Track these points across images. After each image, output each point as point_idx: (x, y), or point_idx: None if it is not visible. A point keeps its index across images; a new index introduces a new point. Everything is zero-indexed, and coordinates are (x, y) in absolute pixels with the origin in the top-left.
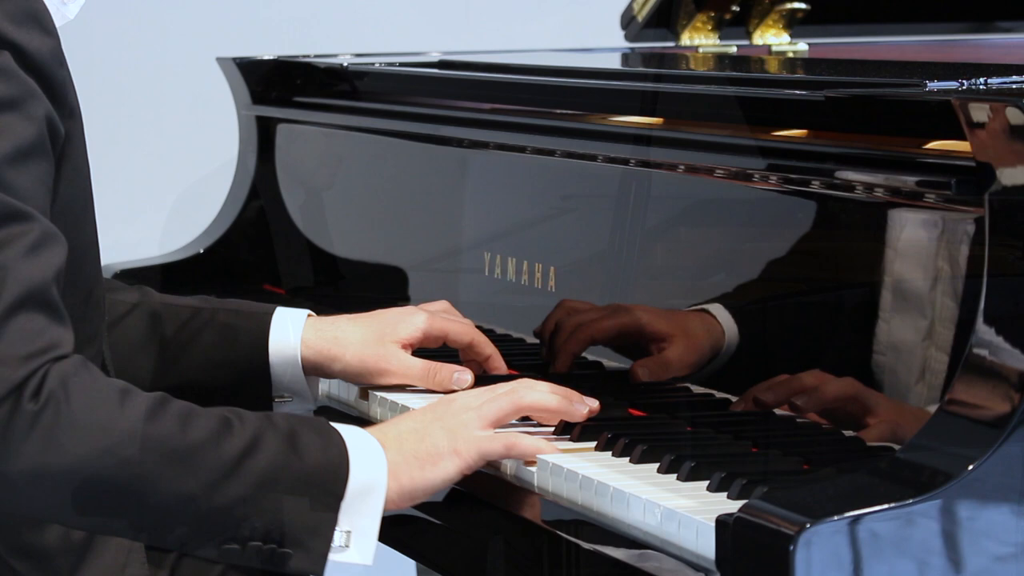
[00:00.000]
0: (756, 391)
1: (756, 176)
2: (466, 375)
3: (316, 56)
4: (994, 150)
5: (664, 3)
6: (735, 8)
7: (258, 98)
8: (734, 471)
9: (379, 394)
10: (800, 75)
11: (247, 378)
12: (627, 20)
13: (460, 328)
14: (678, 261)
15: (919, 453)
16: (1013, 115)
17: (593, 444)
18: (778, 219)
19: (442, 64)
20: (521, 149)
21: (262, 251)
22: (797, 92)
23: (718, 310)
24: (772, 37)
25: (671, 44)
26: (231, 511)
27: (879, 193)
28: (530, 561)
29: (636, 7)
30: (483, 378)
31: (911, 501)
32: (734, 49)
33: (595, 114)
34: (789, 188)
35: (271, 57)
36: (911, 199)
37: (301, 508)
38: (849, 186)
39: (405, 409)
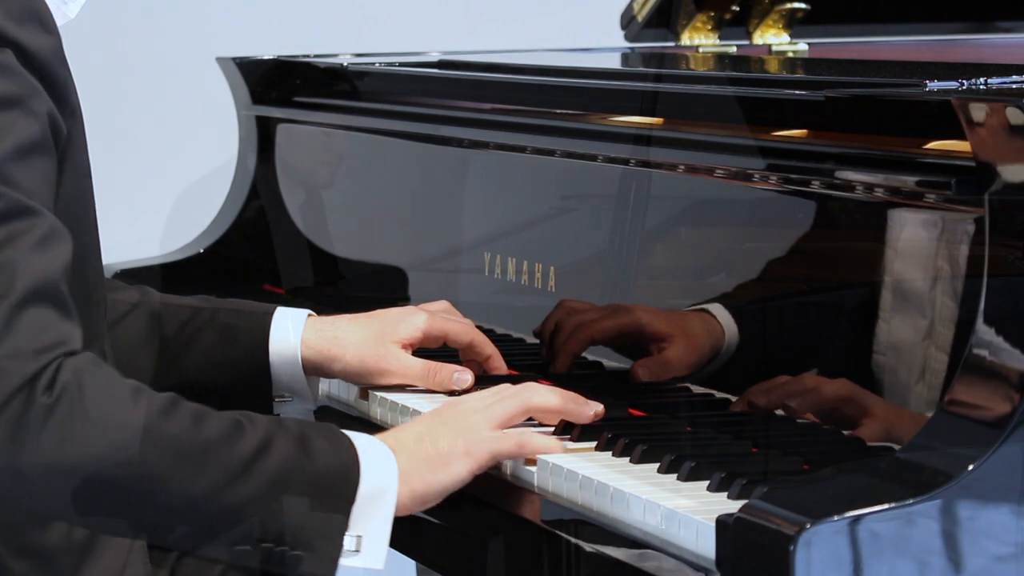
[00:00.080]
0: (751, 394)
1: (756, 176)
2: (466, 375)
3: (316, 56)
4: (994, 150)
5: (664, 3)
6: (735, 8)
7: (258, 98)
8: (734, 471)
9: (379, 394)
10: (800, 75)
11: (247, 378)
12: (627, 20)
13: (460, 328)
14: (678, 261)
15: (919, 453)
16: (1013, 115)
17: (593, 444)
18: (778, 219)
19: (442, 64)
20: (521, 149)
21: (262, 251)
22: (797, 92)
23: (718, 310)
24: (772, 37)
25: (671, 44)
26: (242, 511)
27: (879, 193)
28: (530, 561)
29: (636, 7)
30: (483, 378)
31: (911, 501)
32: (734, 49)
33: (595, 114)
34: (789, 188)
35: (271, 57)
36: (911, 199)
37: (312, 511)
38: (849, 186)
39: (405, 409)
